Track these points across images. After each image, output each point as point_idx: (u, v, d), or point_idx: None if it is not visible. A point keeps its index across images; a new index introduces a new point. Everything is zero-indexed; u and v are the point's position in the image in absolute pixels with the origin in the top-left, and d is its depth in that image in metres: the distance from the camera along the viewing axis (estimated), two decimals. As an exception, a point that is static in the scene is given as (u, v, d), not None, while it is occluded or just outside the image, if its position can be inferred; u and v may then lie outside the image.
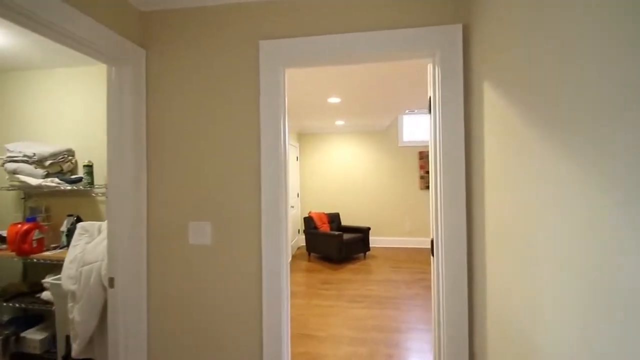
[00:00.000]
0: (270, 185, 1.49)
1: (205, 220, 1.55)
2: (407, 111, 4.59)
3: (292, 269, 4.75)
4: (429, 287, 3.86)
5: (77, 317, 1.86)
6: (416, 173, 6.03)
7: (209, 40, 1.54)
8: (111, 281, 1.48)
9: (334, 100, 3.86)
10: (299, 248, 6.11)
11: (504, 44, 1.00)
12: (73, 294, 1.90)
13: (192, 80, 1.55)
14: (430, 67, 1.51)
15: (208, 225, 1.54)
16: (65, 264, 1.96)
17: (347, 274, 4.47)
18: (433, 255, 1.48)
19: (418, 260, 5.13)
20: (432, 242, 1.51)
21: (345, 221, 6.26)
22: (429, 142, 1.54)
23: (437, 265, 1.44)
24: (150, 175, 1.58)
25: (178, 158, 1.56)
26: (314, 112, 4.52)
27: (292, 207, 5.55)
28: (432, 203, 1.49)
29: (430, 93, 1.53)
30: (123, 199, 1.47)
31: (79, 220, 2.33)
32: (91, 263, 1.89)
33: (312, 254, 5.48)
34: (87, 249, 1.96)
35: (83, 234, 2.07)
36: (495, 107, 1.08)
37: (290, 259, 5.09)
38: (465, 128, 1.39)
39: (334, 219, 5.73)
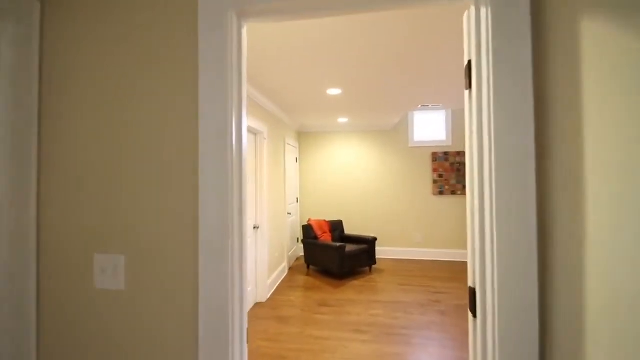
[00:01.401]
0: (213, 200, 0.94)
1: (117, 253, 1.00)
2: (420, 106, 4.00)
3: (289, 285, 4.19)
4: (446, 314, 3.26)
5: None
6: (428, 177, 5.43)
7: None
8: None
9: (334, 91, 3.31)
10: (297, 259, 5.55)
11: None
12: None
13: (103, 45, 1.01)
14: (469, 15, 0.95)
15: (121, 259, 1.00)
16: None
17: (349, 292, 3.89)
18: (475, 316, 0.91)
19: (431, 276, 4.52)
20: (470, 292, 0.94)
21: (348, 229, 5.68)
22: (466, 130, 0.97)
23: (483, 335, 0.86)
24: (42, 182, 1.04)
25: (81, 157, 1.02)
26: (313, 106, 3.97)
27: (290, 213, 5.00)
28: (471, 225, 0.92)
29: (468, 56, 0.96)
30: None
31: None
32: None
33: (311, 266, 4.92)
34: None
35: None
36: (618, 57, 0.51)
37: (287, 271, 4.55)
38: (535, 102, 0.83)
39: (336, 227, 5.16)
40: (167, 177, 0.97)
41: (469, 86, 0.96)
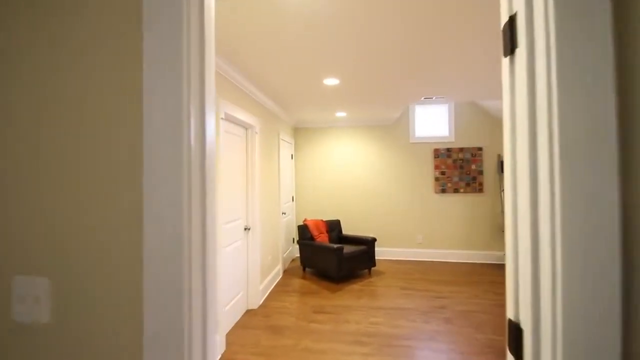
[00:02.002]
0: (161, 208, 0.69)
1: (41, 275, 0.75)
2: (422, 98, 3.76)
3: (283, 290, 3.95)
4: (452, 322, 3.03)
5: None
6: (430, 174, 5.19)
7: None
8: None
9: (331, 81, 3.05)
10: (293, 260, 5.30)
11: None
12: None
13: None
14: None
15: (45, 283, 0.74)
16: None
17: (347, 297, 3.65)
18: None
19: (433, 278, 4.29)
20: (512, 328, 0.69)
21: (346, 230, 5.44)
22: (505, 109, 0.73)
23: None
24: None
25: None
26: (309, 98, 3.71)
27: (285, 213, 4.75)
28: (513, 234, 0.68)
29: (509, 10, 0.72)
30: None
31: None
32: None
33: (307, 268, 4.68)
34: None
35: None
36: None
37: (282, 274, 4.28)
38: (617, 65, 0.58)
39: (333, 227, 4.92)
40: (104, 179, 0.72)
41: (511, 51, 0.71)
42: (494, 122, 5.02)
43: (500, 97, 3.77)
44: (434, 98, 3.74)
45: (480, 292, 3.80)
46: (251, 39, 2.11)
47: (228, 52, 2.33)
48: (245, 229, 3.29)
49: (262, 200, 3.67)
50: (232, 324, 2.97)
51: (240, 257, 3.16)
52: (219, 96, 2.51)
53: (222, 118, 2.54)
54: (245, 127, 3.32)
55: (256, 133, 3.41)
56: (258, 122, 3.46)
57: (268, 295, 3.72)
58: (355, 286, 4.01)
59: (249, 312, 3.27)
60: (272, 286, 4.01)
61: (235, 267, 3.04)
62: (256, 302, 3.37)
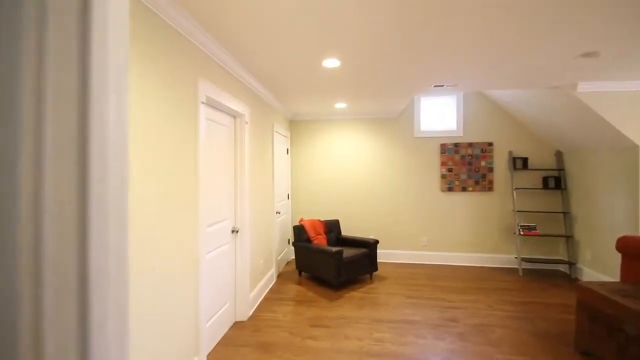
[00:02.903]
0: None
1: None
2: (433, 86, 3.37)
3: (277, 297, 3.57)
4: (466, 338, 2.67)
5: None
6: (436, 171, 4.82)
7: None
8: None
9: (331, 63, 2.66)
10: (288, 262, 4.92)
11: None
12: None
13: None
14: None
15: None
16: None
17: (347, 307, 3.28)
18: None
19: (440, 285, 3.94)
20: None
21: (346, 230, 5.07)
22: None
23: None
24: None
25: None
26: (306, 83, 3.31)
27: (279, 212, 4.36)
28: None
29: None
30: None
31: None
32: None
33: (303, 273, 4.30)
34: None
35: None
36: None
37: (275, 278, 3.95)
38: None
39: (332, 227, 4.54)
40: None
41: None
42: (505, 116, 4.65)
43: (517, 87, 3.40)
44: (445, 86, 3.35)
45: (493, 301, 3.45)
46: (242, 11, 1.71)
47: (211, 24, 1.93)
48: (233, 231, 2.90)
49: (253, 199, 3.28)
50: (216, 341, 2.58)
51: (226, 264, 2.78)
52: (198, 75, 2.11)
53: (202, 102, 2.15)
54: (234, 115, 2.92)
55: (246, 123, 3.02)
56: (248, 110, 3.06)
57: (259, 305, 3.35)
58: (356, 294, 3.64)
59: (236, 325, 2.89)
60: (265, 293, 3.63)
61: (221, 275, 2.66)
62: (245, 313, 2.99)
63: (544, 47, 2.35)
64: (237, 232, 2.97)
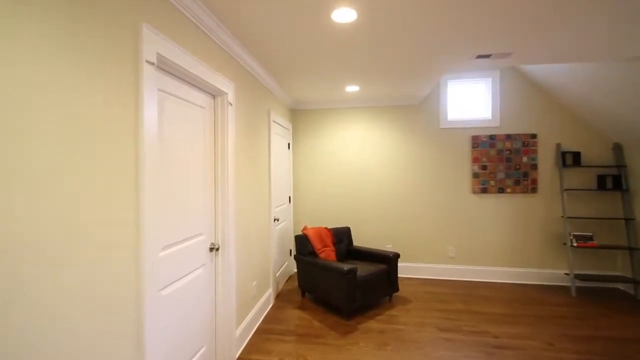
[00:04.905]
0: None
1: None
2: (475, 57, 2.57)
3: (273, 329, 2.82)
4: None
5: None
6: (467, 168, 4.02)
7: None
8: None
9: (344, 14, 1.89)
10: (289, 278, 4.17)
11: None
12: None
13: None
14: None
15: None
16: None
17: (364, 346, 2.52)
18: None
19: (479, 311, 3.15)
20: None
21: (358, 240, 4.30)
22: None
23: None
24: None
25: None
26: (311, 50, 2.55)
27: (277, 220, 3.61)
28: None
29: None
30: None
31: None
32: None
33: (307, 293, 3.55)
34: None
35: None
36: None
37: (273, 300, 3.23)
38: None
39: (341, 237, 3.78)
40: None
41: None
42: (551, 101, 3.84)
43: (589, 59, 2.60)
44: (492, 55, 2.55)
45: (551, 336, 2.65)
46: None
47: None
48: (211, 249, 2.16)
49: (241, 205, 2.53)
50: (185, 406, 1.84)
51: (201, 294, 2.03)
52: (140, 20, 1.37)
53: (149, 62, 1.40)
54: (212, 93, 2.18)
55: (230, 104, 2.27)
56: (233, 88, 2.32)
57: (250, 340, 2.60)
58: (374, 324, 2.88)
59: (217, 375, 2.15)
60: (258, 322, 2.89)
61: (192, 312, 1.92)
62: (230, 355, 2.25)
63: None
64: (218, 249, 2.22)
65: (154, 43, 1.44)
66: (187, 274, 1.87)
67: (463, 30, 2.11)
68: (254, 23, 2.00)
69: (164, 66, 1.60)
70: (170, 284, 1.70)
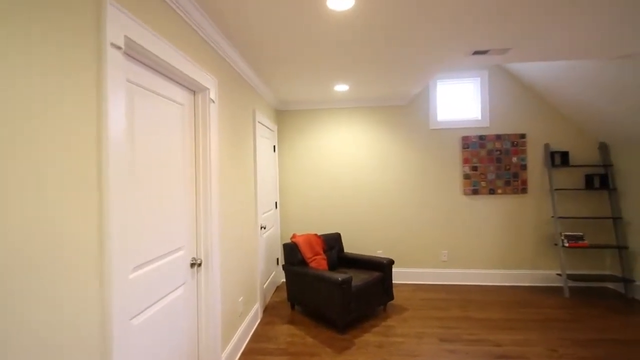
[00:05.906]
0: None
1: None
2: (472, 52, 2.47)
3: (262, 348, 2.58)
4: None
5: None
6: (457, 170, 3.94)
7: None
8: None
9: (341, 1, 1.72)
10: (277, 288, 3.93)
11: None
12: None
13: None
14: None
15: None
16: None
17: (363, 362, 2.33)
18: None
19: (477, 317, 3.04)
20: None
21: (348, 246, 4.12)
22: None
23: None
24: None
25: None
26: (301, 41, 2.36)
27: (264, 227, 3.37)
28: None
29: None
30: None
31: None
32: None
33: (297, 306, 3.33)
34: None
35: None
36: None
37: (261, 315, 2.98)
38: None
39: (332, 244, 3.59)
40: None
41: None
42: (539, 101, 3.83)
43: (587, 56, 2.55)
44: (489, 51, 2.45)
45: (554, 341, 2.57)
46: None
47: None
48: (193, 264, 1.91)
49: (225, 214, 2.29)
50: None
51: (181, 317, 1.78)
52: (105, -6, 1.13)
53: (115, 45, 1.16)
54: (192, 89, 1.94)
55: (212, 101, 2.03)
56: (216, 84, 2.08)
57: (238, 363, 2.35)
58: (371, 337, 2.69)
59: (201, 408, 1.89)
60: (246, 341, 2.63)
61: (170, 338, 1.66)
62: (215, 385, 1.99)
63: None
64: (200, 265, 1.97)
65: (122, 24, 1.20)
66: (165, 296, 1.61)
67: (462, 23, 1.98)
68: (238, 8, 1.78)
69: (135, 53, 1.36)
70: (144, 309, 1.44)
